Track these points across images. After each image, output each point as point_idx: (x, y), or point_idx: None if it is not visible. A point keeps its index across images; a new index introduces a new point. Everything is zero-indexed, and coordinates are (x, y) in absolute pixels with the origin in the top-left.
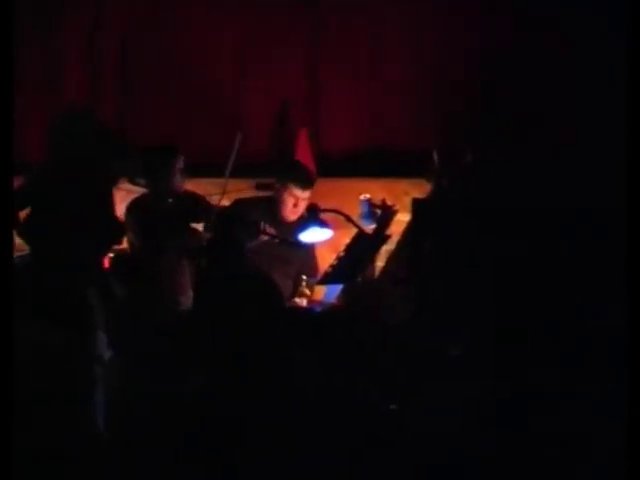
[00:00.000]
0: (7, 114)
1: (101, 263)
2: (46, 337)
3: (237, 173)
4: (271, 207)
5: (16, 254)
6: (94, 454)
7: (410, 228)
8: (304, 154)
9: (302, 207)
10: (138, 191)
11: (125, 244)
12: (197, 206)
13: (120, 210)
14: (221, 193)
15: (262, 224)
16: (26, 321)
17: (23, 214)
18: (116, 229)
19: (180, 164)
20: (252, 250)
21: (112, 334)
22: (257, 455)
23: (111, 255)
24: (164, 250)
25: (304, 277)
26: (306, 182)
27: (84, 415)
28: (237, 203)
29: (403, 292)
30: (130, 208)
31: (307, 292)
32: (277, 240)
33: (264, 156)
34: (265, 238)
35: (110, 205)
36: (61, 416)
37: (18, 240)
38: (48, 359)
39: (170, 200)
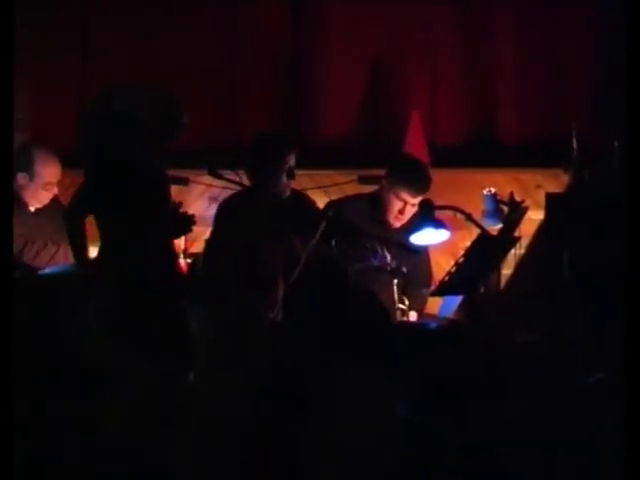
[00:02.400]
0: (7, 115)
1: (176, 267)
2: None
3: (336, 164)
4: (373, 207)
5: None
6: None
7: (544, 229)
8: (416, 141)
9: (409, 214)
10: (219, 185)
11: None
12: (302, 211)
13: (199, 207)
14: (316, 187)
15: (378, 249)
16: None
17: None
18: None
19: (292, 161)
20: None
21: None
22: None
23: (188, 261)
24: (257, 258)
25: (395, 281)
26: (419, 187)
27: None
28: (331, 205)
29: (534, 307)
30: (222, 207)
31: (403, 306)
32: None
33: (354, 137)
34: (377, 263)
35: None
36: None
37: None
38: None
39: (273, 200)
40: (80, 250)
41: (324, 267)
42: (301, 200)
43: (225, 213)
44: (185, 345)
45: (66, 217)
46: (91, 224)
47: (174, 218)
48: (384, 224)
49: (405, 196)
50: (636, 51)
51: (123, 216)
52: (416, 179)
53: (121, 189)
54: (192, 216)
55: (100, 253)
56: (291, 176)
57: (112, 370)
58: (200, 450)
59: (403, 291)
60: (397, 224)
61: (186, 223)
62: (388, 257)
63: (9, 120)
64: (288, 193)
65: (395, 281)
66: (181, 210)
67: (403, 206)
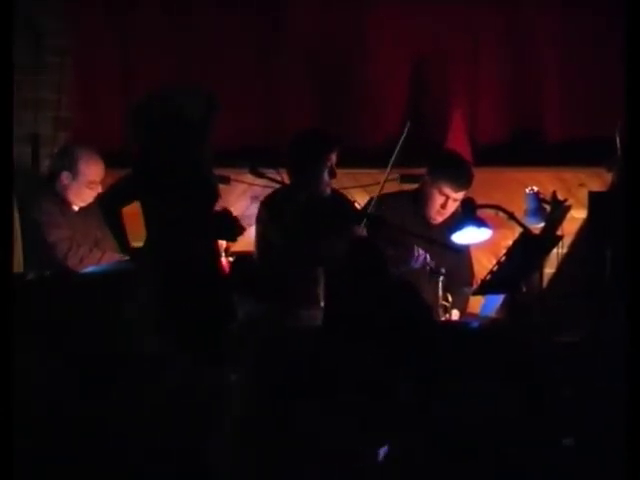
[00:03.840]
0: (7, 116)
1: (219, 267)
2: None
3: (377, 163)
4: (416, 203)
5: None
6: None
7: (587, 228)
8: (458, 140)
9: (451, 209)
10: (261, 183)
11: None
12: (341, 209)
13: (240, 206)
14: (357, 186)
15: (417, 250)
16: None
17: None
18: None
19: (333, 159)
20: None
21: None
22: None
23: (230, 259)
24: (299, 256)
25: (441, 278)
26: (462, 182)
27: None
28: (372, 201)
29: (577, 306)
30: (265, 203)
31: (446, 303)
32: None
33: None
34: (417, 265)
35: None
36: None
37: None
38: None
39: (312, 199)
40: (120, 236)
41: (360, 253)
42: (340, 199)
43: (267, 211)
44: (226, 344)
45: (101, 204)
46: (130, 220)
47: (225, 222)
48: (426, 220)
49: (447, 190)
50: (636, 51)
51: (171, 213)
52: (459, 174)
53: (170, 187)
54: (242, 228)
55: (144, 250)
56: (332, 175)
57: (153, 368)
58: (233, 449)
59: (446, 289)
60: (439, 219)
61: (235, 231)
62: (427, 257)
63: (9, 120)
64: (328, 192)
65: (441, 278)
66: (232, 216)
67: (445, 201)
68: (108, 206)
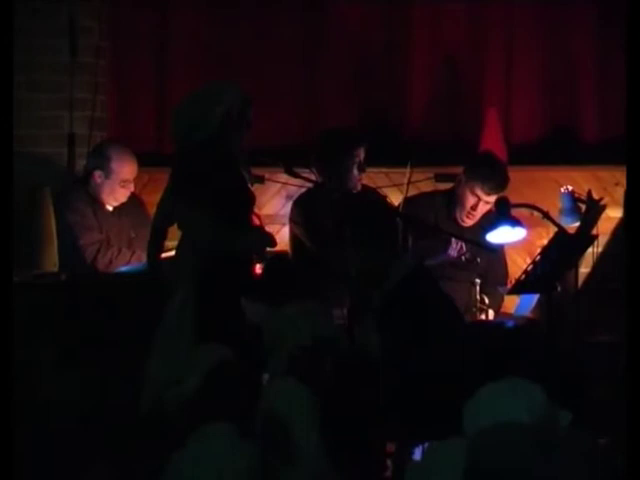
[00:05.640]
0: (7, 117)
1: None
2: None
3: (413, 162)
4: (449, 202)
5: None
6: None
7: (623, 227)
8: (493, 139)
9: (481, 212)
10: (295, 183)
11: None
12: (373, 205)
13: (275, 206)
14: (392, 185)
15: (454, 242)
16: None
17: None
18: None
19: (362, 155)
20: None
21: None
22: None
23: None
24: (330, 255)
25: (477, 281)
26: (494, 184)
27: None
28: (407, 203)
29: (613, 305)
30: (297, 203)
31: (483, 306)
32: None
33: (431, 135)
34: (454, 255)
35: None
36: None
37: None
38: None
39: (344, 195)
40: (154, 257)
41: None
42: (372, 195)
43: (299, 211)
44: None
45: (153, 227)
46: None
47: (256, 235)
48: (458, 220)
49: (479, 192)
50: (636, 49)
51: (207, 214)
52: (492, 176)
53: (210, 188)
54: (274, 242)
55: (179, 253)
56: (361, 170)
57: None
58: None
59: (481, 289)
60: (468, 221)
61: (266, 244)
62: (463, 247)
63: (9, 120)
64: (359, 188)
65: (477, 281)
66: (264, 230)
67: (476, 202)
68: (158, 229)
